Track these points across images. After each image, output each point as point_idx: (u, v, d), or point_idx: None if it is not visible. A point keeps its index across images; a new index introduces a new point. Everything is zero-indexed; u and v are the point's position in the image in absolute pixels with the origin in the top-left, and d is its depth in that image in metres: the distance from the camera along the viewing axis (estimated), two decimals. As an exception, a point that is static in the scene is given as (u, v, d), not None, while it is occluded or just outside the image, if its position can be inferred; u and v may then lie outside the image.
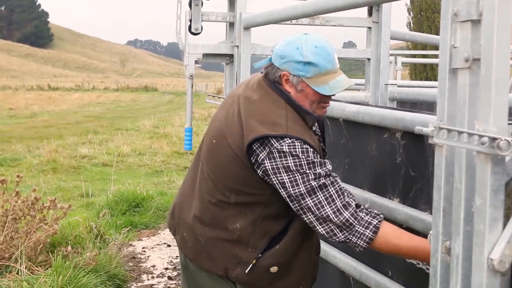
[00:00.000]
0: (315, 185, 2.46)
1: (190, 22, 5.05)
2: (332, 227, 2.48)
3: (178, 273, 6.38)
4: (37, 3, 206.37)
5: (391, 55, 8.61)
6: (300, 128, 2.58)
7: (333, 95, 2.65)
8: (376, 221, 2.49)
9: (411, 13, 34.47)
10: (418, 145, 2.82)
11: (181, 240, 2.90)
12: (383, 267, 3.14)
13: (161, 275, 6.35)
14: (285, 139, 2.50)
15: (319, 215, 2.47)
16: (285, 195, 2.51)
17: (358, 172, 3.41)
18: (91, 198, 9.51)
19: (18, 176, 6.05)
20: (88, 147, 15.82)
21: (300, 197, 2.48)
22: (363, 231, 2.48)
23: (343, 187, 2.54)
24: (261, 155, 2.52)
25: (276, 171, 2.49)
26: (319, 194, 2.47)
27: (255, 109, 2.61)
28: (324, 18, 5.05)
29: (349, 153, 3.49)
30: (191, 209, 2.82)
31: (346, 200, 2.50)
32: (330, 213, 2.46)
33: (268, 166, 2.50)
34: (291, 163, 2.47)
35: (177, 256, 6.91)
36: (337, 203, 2.47)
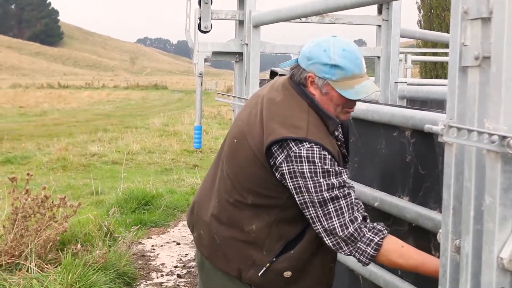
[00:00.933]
0: (327, 196, 2.45)
1: (200, 20, 5.05)
2: (338, 240, 2.48)
3: (187, 271, 6.40)
4: (47, 1, 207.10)
5: (401, 53, 8.60)
6: (321, 133, 2.55)
7: (358, 100, 2.64)
8: (378, 239, 2.46)
9: (421, 11, 34.33)
10: (428, 144, 2.81)
11: (198, 238, 2.89)
12: (393, 266, 3.14)
13: (170, 273, 6.37)
14: (304, 143, 2.47)
15: (326, 226, 2.47)
16: (297, 200, 2.51)
17: (367, 171, 3.41)
18: (100, 196, 9.53)
19: (28, 174, 6.08)
20: (98, 145, 15.85)
21: (310, 205, 2.47)
22: (365, 248, 2.47)
23: (355, 200, 2.52)
24: (279, 158, 2.50)
25: (292, 175, 2.48)
26: (330, 206, 2.46)
27: (277, 111, 2.59)
28: (334, 16, 5.05)
29: (359, 151, 3.49)
30: (209, 207, 2.82)
31: (355, 214, 2.48)
32: (337, 226, 2.46)
33: (285, 169, 2.49)
34: (306, 169, 2.46)
35: (186, 254, 6.93)
36: (346, 217, 2.46)
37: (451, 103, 1.82)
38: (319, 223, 2.48)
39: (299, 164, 2.46)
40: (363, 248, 2.46)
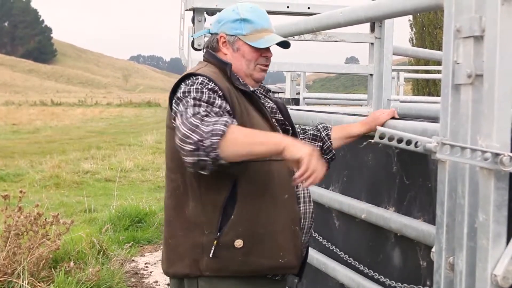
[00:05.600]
0: (199, 110, 2.37)
1: (193, 37, 5.06)
2: (187, 133, 2.30)
3: (180, 288, 6.37)
4: (41, 19, 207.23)
5: (393, 70, 8.64)
6: (213, 74, 2.57)
7: (270, 55, 2.73)
8: (223, 119, 2.33)
9: (414, 29, 34.52)
10: (411, 153, 2.82)
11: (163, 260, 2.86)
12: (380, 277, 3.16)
13: (163, 290, 6.34)
14: (191, 77, 2.52)
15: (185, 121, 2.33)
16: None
17: (356, 183, 3.44)
18: (93, 213, 9.49)
19: (21, 192, 6.05)
20: (91, 163, 15.79)
21: (180, 110, 2.41)
22: (211, 127, 2.29)
23: (222, 113, 2.42)
24: (174, 104, 2.52)
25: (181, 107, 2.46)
26: (197, 108, 2.38)
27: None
28: (327, 34, 5.06)
29: (347, 165, 3.52)
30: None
31: (214, 115, 2.37)
32: (192, 119, 2.33)
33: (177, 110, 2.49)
34: (186, 89, 2.48)
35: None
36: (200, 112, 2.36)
37: (444, 120, 1.83)
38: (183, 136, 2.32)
39: (186, 93, 2.47)
40: (209, 129, 2.28)
